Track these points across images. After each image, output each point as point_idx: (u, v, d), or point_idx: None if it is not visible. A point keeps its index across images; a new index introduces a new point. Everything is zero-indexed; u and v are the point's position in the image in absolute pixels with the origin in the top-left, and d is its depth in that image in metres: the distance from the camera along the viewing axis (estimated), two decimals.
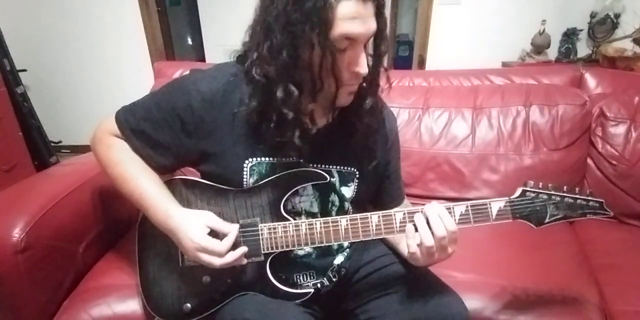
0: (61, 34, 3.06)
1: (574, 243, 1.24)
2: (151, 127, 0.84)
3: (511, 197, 0.78)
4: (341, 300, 0.93)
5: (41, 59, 3.10)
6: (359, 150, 0.87)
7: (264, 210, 0.84)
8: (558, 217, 0.78)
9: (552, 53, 2.79)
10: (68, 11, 2.99)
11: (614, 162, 1.37)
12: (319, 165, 0.86)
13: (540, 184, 0.78)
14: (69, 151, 3.24)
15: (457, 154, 1.44)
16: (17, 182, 1.14)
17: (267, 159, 0.84)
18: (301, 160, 0.85)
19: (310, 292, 0.84)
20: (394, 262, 0.92)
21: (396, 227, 0.78)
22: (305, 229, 0.80)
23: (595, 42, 2.74)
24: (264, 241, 0.81)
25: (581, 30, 2.75)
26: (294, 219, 0.84)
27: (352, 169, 0.89)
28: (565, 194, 0.78)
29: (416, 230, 0.75)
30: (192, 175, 0.91)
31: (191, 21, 4.39)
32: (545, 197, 0.77)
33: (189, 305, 0.85)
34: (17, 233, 0.91)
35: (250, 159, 0.83)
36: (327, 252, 0.91)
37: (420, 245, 0.74)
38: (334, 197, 0.90)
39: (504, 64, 2.81)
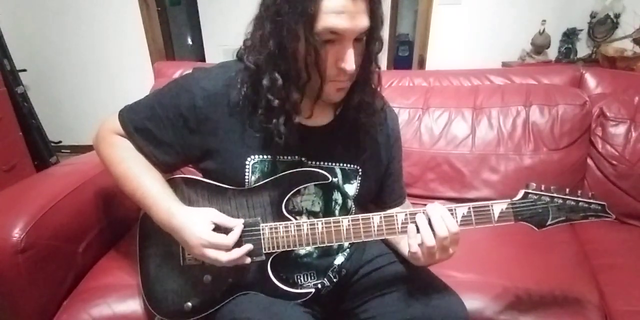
0: (61, 34, 3.06)
1: (574, 243, 1.24)
2: (154, 126, 0.84)
3: (513, 199, 0.78)
4: (341, 299, 0.93)
5: (41, 59, 3.10)
6: (361, 148, 0.87)
7: (265, 210, 0.84)
8: (560, 219, 0.78)
9: (552, 53, 2.79)
10: (68, 11, 2.99)
11: (614, 162, 1.37)
12: (322, 163, 0.86)
13: (543, 186, 0.78)
14: (69, 151, 3.24)
15: (457, 154, 1.44)
16: (17, 182, 1.14)
17: (269, 156, 0.84)
18: (303, 159, 0.85)
19: (311, 292, 0.84)
20: (394, 261, 0.93)
21: (398, 228, 0.78)
22: (307, 229, 0.80)
23: (595, 42, 2.74)
24: (265, 241, 0.81)
25: (581, 30, 2.75)
26: (295, 219, 0.84)
27: (355, 166, 0.89)
28: (567, 197, 0.78)
29: (418, 230, 0.75)
30: (193, 174, 0.91)
31: (191, 21, 4.39)
32: (547, 199, 0.77)
33: (189, 304, 0.85)
34: (17, 233, 0.91)
35: (252, 157, 0.83)
36: (327, 252, 0.91)
37: (421, 245, 0.74)
38: (337, 195, 0.90)
39: (504, 64, 2.81)
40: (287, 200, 0.84)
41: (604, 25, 2.68)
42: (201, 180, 0.87)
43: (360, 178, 0.90)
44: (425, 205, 0.78)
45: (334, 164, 0.87)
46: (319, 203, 0.88)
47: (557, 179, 1.38)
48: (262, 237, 0.81)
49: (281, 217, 0.83)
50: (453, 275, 1.01)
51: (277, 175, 0.83)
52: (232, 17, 3.31)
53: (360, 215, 0.79)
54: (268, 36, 0.72)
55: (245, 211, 0.84)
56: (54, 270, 1.01)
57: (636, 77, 1.65)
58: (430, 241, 0.73)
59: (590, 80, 1.55)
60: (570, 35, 2.74)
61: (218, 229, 0.78)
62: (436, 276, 0.89)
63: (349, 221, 0.79)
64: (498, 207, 0.77)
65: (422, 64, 2.99)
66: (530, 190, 0.78)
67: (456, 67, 1.73)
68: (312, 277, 0.90)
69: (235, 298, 0.83)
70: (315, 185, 0.87)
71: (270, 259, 0.83)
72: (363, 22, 0.70)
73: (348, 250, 0.95)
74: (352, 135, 0.85)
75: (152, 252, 0.91)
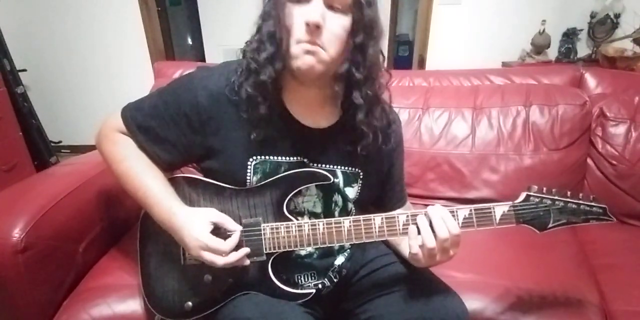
0: (61, 34, 3.06)
1: (574, 243, 1.24)
2: (157, 124, 0.84)
3: (515, 201, 0.78)
4: (341, 300, 0.93)
5: (41, 59, 3.10)
6: (363, 152, 0.86)
7: (267, 210, 0.83)
8: (561, 222, 0.78)
9: (552, 53, 2.79)
10: (68, 11, 2.99)
11: (614, 162, 1.37)
12: (324, 166, 0.86)
13: (544, 188, 0.78)
14: (69, 151, 3.24)
15: (457, 154, 1.44)
16: (17, 182, 1.14)
17: (271, 157, 0.84)
18: (305, 160, 0.85)
19: (311, 293, 0.84)
20: (394, 262, 0.93)
21: (399, 229, 0.78)
22: (308, 229, 0.80)
23: (595, 42, 2.74)
24: (266, 241, 0.81)
25: (581, 30, 2.75)
26: (297, 219, 0.84)
27: (357, 170, 0.89)
28: (568, 200, 0.78)
29: (419, 231, 0.75)
30: (194, 174, 0.91)
31: (191, 21, 4.39)
32: (548, 202, 0.78)
33: (190, 303, 0.85)
34: (17, 233, 0.91)
35: (254, 157, 0.83)
36: (328, 253, 0.91)
37: (422, 246, 0.74)
38: (337, 198, 0.90)
39: (504, 64, 2.81)
40: (288, 201, 0.84)
41: (604, 25, 2.69)
42: (202, 180, 0.87)
43: (361, 181, 0.90)
44: (425, 205, 0.78)
45: (335, 166, 0.87)
46: (319, 205, 0.88)
47: (557, 179, 1.38)
48: (263, 237, 0.81)
49: (282, 218, 0.83)
50: (453, 276, 1.01)
51: (279, 175, 0.83)
52: (232, 17, 3.31)
53: (361, 216, 0.79)
54: (260, 21, 0.77)
55: (246, 211, 0.84)
56: (54, 270, 1.01)
57: (636, 77, 1.65)
58: (431, 243, 0.73)
59: (590, 80, 1.55)
60: (570, 35, 2.75)
61: (217, 229, 0.78)
62: (437, 277, 0.89)
63: (350, 222, 0.79)
64: (500, 210, 0.77)
65: (422, 64, 2.99)
66: (532, 193, 0.78)
67: (456, 67, 1.73)
68: (313, 278, 0.90)
69: (236, 298, 0.83)
70: (316, 186, 0.87)
71: (271, 259, 0.83)
72: None
73: (348, 250, 0.95)
74: (354, 139, 0.84)
75: (153, 252, 0.91)
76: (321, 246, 0.81)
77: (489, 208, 0.77)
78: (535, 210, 0.77)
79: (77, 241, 1.07)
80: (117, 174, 0.86)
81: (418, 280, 0.86)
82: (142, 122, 0.85)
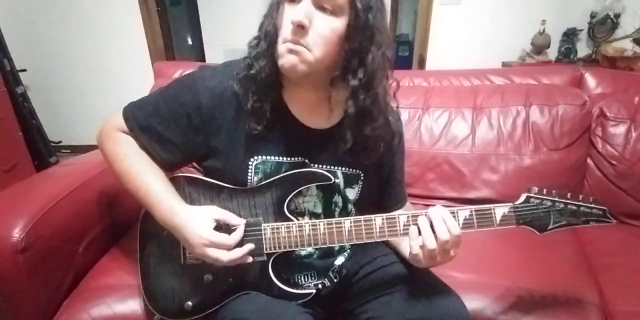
0: (61, 34, 3.06)
1: (574, 243, 1.24)
2: (158, 123, 0.84)
3: (515, 202, 0.78)
4: (341, 300, 0.93)
5: (41, 59, 3.10)
6: (364, 153, 0.86)
7: (267, 210, 0.84)
8: (561, 224, 0.78)
9: (552, 53, 2.79)
10: (68, 11, 2.99)
11: (614, 162, 1.37)
12: (324, 166, 0.86)
13: (544, 190, 0.78)
14: (69, 151, 3.24)
15: (457, 154, 1.44)
16: (17, 182, 1.14)
17: (272, 158, 0.84)
18: (306, 161, 0.85)
19: (311, 293, 0.84)
20: (394, 262, 0.92)
21: (400, 230, 0.78)
22: (309, 229, 0.80)
23: (595, 42, 2.74)
24: (267, 241, 0.81)
25: (581, 30, 2.75)
26: (297, 219, 0.84)
27: (357, 171, 0.89)
28: (569, 201, 0.78)
29: (419, 232, 0.75)
30: (195, 173, 0.91)
31: (191, 21, 4.40)
32: (549, 203, 0.78)
33: (190, 303, 0.85)
34: (17, 233, 0.91)
35: (255, 157, 0.83)
36: (328, 253, 0.91)
37: (422, 247, 0.74)
38: (337, 199, 0.90)
39: (504, 64, 2.81)
40: (289, 201, 0.83)
41: (604, 25, 2.69)
42: (203, 179, 0.87)
43: (361, 183, 0.90)
44: (425, 205, 0.78)
45: (336, 167, 0.87)
46: (320, 205, 0.88)
47: (557, 179, 1.38)
48: (263, 237, 0.81)
49: (283, 218, 0.83)
50: (453, 276, 1.01)
51: (280, 175, 0.83)
52: (232, 17, 3.31)
53: (362, 217, 0.79)
54: (262, 19, 0.79)
55: (247, 211, 0.84)
56: (54, 270, 1.01)
57: (636, 77, 1.65)
58: (432, 244, 0.73)
59: (590, 80, 1.55)
60: (570, 35, 2.75)
61: (220, 227, 0.78)
62: (437, 277, 0.89)
63: (350, 222, 0.79)
64: (500, 211, 0.77)
65: (422, 64, 2.99)
66: (532, 194, 0.78)
67: (456, 67, 1.73)
68: (313, 278, 0.90)
69: (236, 298, 0.83)
70: (317, 187, 0.87)
71: (272, 259, 0.82)
72: None
73: (349, 250, 0.95)
74: (355, 140, 0.84)
75: (153, 251, 0.91)
76: (322, 246, 0.81)
77: (490, 209, 0.77)
78: (536, 212, 0.78)
79: (77, 241, 1.07)
80: (118, 173, 0.86)
81: (418, 281, 0.86)
82: (144, 121, 0.85)
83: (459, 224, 0.75)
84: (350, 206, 0.92)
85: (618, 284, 1.06)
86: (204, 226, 0.76)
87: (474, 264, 1.10)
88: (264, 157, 0.84)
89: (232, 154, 0.83)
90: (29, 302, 0.96)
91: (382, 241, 0.97)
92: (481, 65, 1.81)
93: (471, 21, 2.84)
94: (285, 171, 0.84)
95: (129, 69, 3.13)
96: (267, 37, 0.77)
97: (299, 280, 0.89)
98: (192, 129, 0.83)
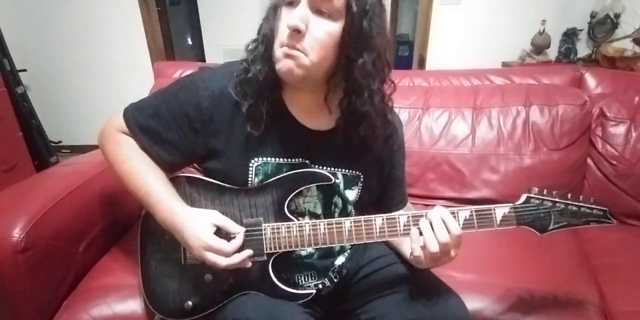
0: (61, 34, 3.05)
1: (574, 243, 1.24)
2: (159, 125, 0.84)
3: (515, 203, 0.78)
4: (342, 300, 0.93)
5: (41, 59, 3.10)
6: (364, 154, 0.86)
7: (268, 210, 0.84)
8: (562, 224, 0.78)
9: (552, 53, 2.79)
10: (68, 11, 2.99)
11: (614, 162, 1.37)
12: (325, 168, 0.86)
13: (545, 190, 0.78)
14: (69, 151, 3.24)
15: (457, 154, 1.44)
16: (17, 182, 1.14)
17: (273, 159, 0.84)
18: (307, 162, 0.85)
19: (312, 293, 0.84)
20: (394, 262, 0.92)
21: (400, 230, 0.78)
22: (309, 229, 0.80)
23: (595, 42, 2.74)
24: (267, 241, 0.81)
25: (581, 30, 2.75)
26: (298, 220, 0.84)
27: (357, 172, 0.89)
28: (569, 202, 0.78)
29: (420, 234, 0.75)
30: (195, 174, 0.91)
31: (191, 21, 4.39)
32: (549, 204, 0.77)
33: (190, 303, 0.85)
34: (17, 233, 0.91)
35: (256, 159, 0.83)
36: (328, 253, 0.91)
37: (424, 249, 0.74)
38: (337, 199, 0.90)
39: (504, 64, 2.81)
40: (289, 201, 0.83)
41: (604, 25, 2.68)
42: (204, 180, 0.87)
43: (361, 184, 0.90)
44: (425, 205, 0.78)
45: (336, 169, 0.87)
46: (320, 205, 0.88)
47: (557, 179, 1.38)
48: (263, 237, 0.81)
49: (283, 218, 0.83)
50: (453, 276, 1.01)
51: (280, 176, 0.83)
52: (232, 17, 3.31)
53: (362, 217, 0.79)
54: (261, 23, 0.79)
55: (247, 211, 0.84)
56: (54, 270, 1.01)
57: (636, 77, 1.65)
58: (434, 247, 0.73)
59: (590, 80, 1.55)
60: (570, 35, 2.75)
61: (220, 232, 0.78)
62: (437, 277, 0.89)
63: (351, 222, 0.79)
64: (500, 211, 0.77)
65: (422, 64, 2.99)
66: (532, 195, 0.78)
67: (456, 67, 1.73)
68: (313, 278, 0.90)
69: (236, 298, 0.83)
70: (317, 187, 0.87)
71: (272, 259, 0.83)
72: None
73: (349, 251, 0.95)
74: (355, 141, 0.84)
75: (153, 251, 0.91)
76: (322, 246, 0.81)
77: (490, 209, 0.77)
78: (536, 212, 0.77)
79: (77, 241, 1.07)
80: (119, 174, 0.86)
81: (419, 281, 0.86)
82: (144, 122, 0.85)
83: (459, 225, 0.75)
84: (350, 207, 0.92)
85: (618, 284, 1.06)
86: (203, 229, 0.76)
87: (474, 264, 1.10)
88: (264, 159, 0.84)
89: (232, 155, 0.83)
90: (29, 302, 0.96)
91: (383, 241, 0.97)
92: (481, 65, 1.81)
93: (471, 21, 2.84)
94: (286, 172, 0.84)
95: (129, 69, 3.13)
96: (265, 40, 0.77)
97: (299, 281, 0.89)
98: (191, 130, 0.83)
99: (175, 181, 0.87)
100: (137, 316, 0.97)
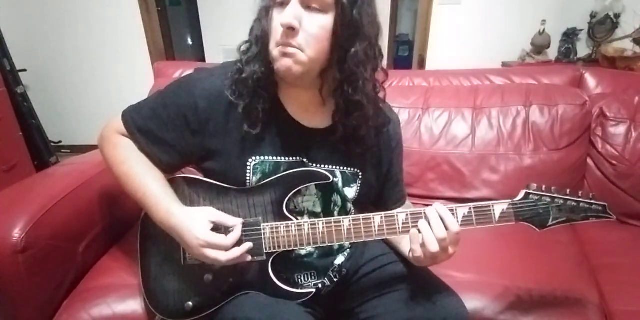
0: (61, 34, 3.06)
1: (574, 243, 1.24)
2: (157, 126, 0.84)
3: (514, 199, 0.78)
4: (342, 299, 0.93)
5: (41, 59, 3.10)
6: (362, 152, 0.87)
7: (267, 210, 0.84)
8: (561, 220, 0.78)
9: (552, 53, 2.79)
10: (68, 11, 2.99)
11: (614, 162, 1.37)
12: (323, 166, 0.86)
13: (544, 186, 0.78)
14: (69, 151, 3.24)
15: (457, 154, 1.44)
16: (17, 182, 1.14)
17: (270, 158, 0.84)
18: (305, 160, 0.85)
19: (311, 292, 0.84)
20: (394, 261, 0.93)
21: (399, 228, 0.78)
22: (308, 229, 0.80)
23: (595, 42, 2.74)
24: (266, 240, 0.81)
25: (581, 30, 2.75)
26: (297, 219, 0.84)
27: (356, 170, 0.89)
28: (568, 197, 0.78)
29: (420, 233, 0.75)
30: (194, 174, 0.91)
31: (191, 21, 4.40)
32: (548, 200, 0.77)
33: (190, 303, 0.85)
34: (17, 233, 0.91)
35: (254, 158, 0.83)
36: (328, 252, 0.91)
37: (424, 247, 0.74)
38: (336, 198, 0.90)
39: (504, 64, 2.81)
40: (288, 200, 0.84)
41: (604, 25, 2.68)
42: (202, 180, 0.87)
43: (360, 182, 0.90)
44: (425, 205, 0.78)
45: (334, 167, 0.87)
46: (319, 204, 0.88)
47: (557, 179, 1.38)
48: (263, 236, 0.81)
49: (282, 217, 0.83)
50: (453, 275, 1.01)
51: (279, 175, 0.83)
52: (232, 17, 3.31)
53: (361, 215, 0.79)
54: (252, 24, 0.79)
55: (246, 211, 0.84)
56: (54, 270, 1.01)
57: (636, 77, 1.65)
58: (434, 247, 0.73)
59: (590, 80, 1.55)
60: (570, 35, 2.74)
61: (217, 228, 0.78)
62: (437, 276, 0.89)
63: (349, 221, 0.79)
64: (499, 208, 0.77)
65: (422, 64, 2.99)
66: (531, 191, 0.78)
67: (456, 67, 1.73)
68: (313, 277, 0.90)
69: (236, 298, 0.83)
70: (316, 186, 0.87)
71: (271, 259, 0.83)
72: None
73: (348, 250, 0.95)
74: (352, 139, 0.84)
75: (153, 252, 0.91)
76: (321, 245, 0.81)
77: (488, 206, 0.77)
78: (535, 208, 0.77)
79: (77, 241, 1.07)
80: (118, 175, 0.86)
81: (418, 280, 0.86)
82: (142, 124, 0.86)
83: (458, 221, 0.75)
84: (349, 205, 0.92)
85: (618, 284, 1.06)
86: (200, 227, 0.76)
87: (474, 263, 1.10)
88: (262, 158, 0.84)
89: (229, 155, 0.83)
90: (29, 302, 0.96)
91: (382, 240, 0.97)
92: (481, 65, 1.80)
93: (471, 21, 2.84)
94: (284, 171, 0.84)
95: (129, 69, 3.13)
96: (258, 41, 0.78)
97: (299, 280, 0.89)
98: (189, 131, 0.83)
99: (174, 182, 0.87)
100: (137, 316, 0.97)
